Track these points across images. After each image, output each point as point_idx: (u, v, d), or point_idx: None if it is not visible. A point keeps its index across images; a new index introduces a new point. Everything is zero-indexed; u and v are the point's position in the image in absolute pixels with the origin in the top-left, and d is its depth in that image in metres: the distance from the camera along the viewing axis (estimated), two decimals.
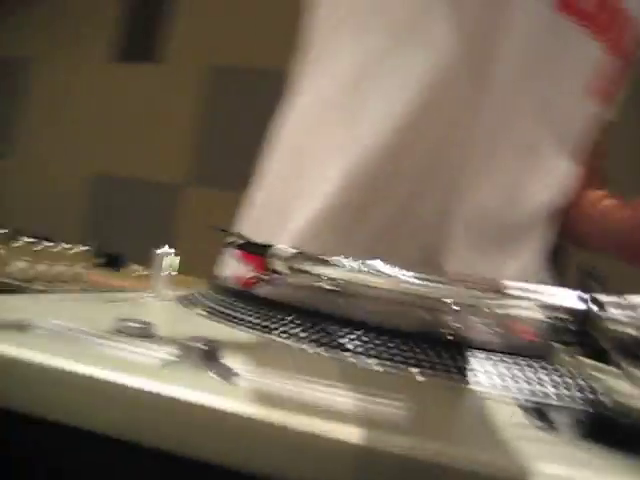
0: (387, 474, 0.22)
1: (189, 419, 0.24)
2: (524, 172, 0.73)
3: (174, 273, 0.52)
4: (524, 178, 0.74)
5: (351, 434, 0.22)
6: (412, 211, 0.70)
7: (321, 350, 0.38)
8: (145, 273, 0.70)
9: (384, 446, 0.22)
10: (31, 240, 0.48)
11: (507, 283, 0.40)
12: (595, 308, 0.33)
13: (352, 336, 0.39)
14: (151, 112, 2.26)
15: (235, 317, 0.43)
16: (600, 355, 0.28)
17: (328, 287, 0.63)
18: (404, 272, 0.42)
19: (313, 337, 0.39)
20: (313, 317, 0.41)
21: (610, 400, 0.26)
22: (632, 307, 0.36)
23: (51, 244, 0.49)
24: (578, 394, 0.33)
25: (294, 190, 0.84)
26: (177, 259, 0.51)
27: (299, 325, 0.40)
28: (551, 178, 0.80)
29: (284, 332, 0.40)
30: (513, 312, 0.37)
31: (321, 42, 0.83)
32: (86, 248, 0.52)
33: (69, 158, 2.39)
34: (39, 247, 0.48)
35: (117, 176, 2.30)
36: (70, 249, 0.50)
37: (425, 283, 0.41)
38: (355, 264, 0.42)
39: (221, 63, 2.17)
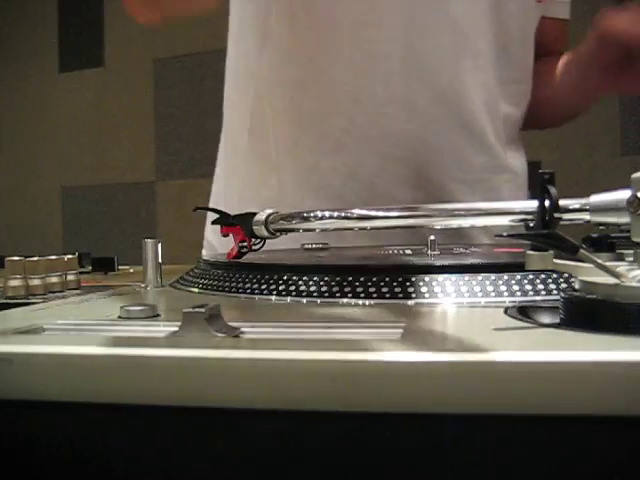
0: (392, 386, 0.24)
1: (202, 375, 0.25)
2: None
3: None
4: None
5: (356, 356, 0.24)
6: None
7: (317, 300, 0.40)
8: (132, 271, 0.72)
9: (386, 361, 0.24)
10: (17, 258, 0.49)
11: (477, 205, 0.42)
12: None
13: (343, 282, 0.41)
14: (105, 115, 2.25)
15: (229, 287, 0.45)
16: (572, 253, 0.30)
17: (309, 242, 0.66)
18: (380, 212, 0.44)
19: (307, 290, 0.41)
20: (303, 272, 0.43)
21: (578, 282, 0.28)
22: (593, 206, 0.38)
23: (38, 258, 0.50)
24: (555, 291, 0.36)
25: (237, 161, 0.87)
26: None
27: (291, 282, 0.42)
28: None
29: (278, 291, 0.42)
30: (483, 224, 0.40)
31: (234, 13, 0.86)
32: (72, 256, 0.54)
33: (38, 172, 2.38)
34: (27, 263, 0.49)
35: (86, 184, 2.30)
36: (59, 260, 0.52)
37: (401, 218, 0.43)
38: (329, 213, 0.44)
39: (163, 55, 2.16)
